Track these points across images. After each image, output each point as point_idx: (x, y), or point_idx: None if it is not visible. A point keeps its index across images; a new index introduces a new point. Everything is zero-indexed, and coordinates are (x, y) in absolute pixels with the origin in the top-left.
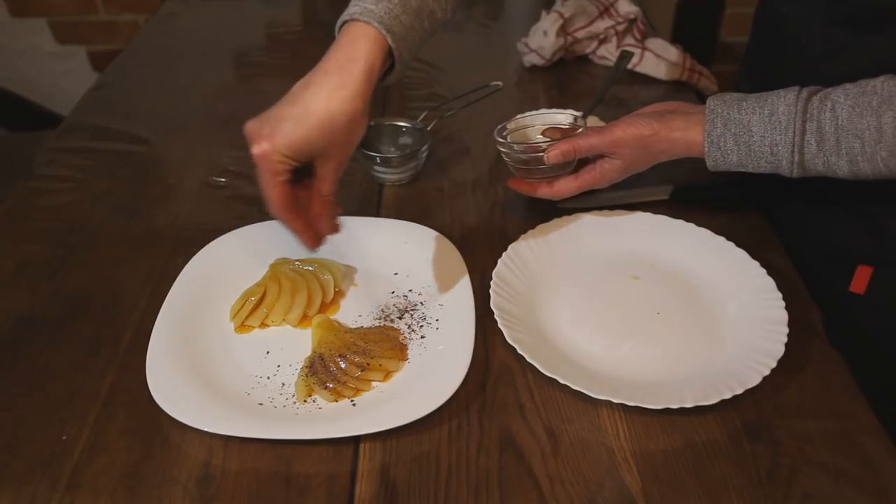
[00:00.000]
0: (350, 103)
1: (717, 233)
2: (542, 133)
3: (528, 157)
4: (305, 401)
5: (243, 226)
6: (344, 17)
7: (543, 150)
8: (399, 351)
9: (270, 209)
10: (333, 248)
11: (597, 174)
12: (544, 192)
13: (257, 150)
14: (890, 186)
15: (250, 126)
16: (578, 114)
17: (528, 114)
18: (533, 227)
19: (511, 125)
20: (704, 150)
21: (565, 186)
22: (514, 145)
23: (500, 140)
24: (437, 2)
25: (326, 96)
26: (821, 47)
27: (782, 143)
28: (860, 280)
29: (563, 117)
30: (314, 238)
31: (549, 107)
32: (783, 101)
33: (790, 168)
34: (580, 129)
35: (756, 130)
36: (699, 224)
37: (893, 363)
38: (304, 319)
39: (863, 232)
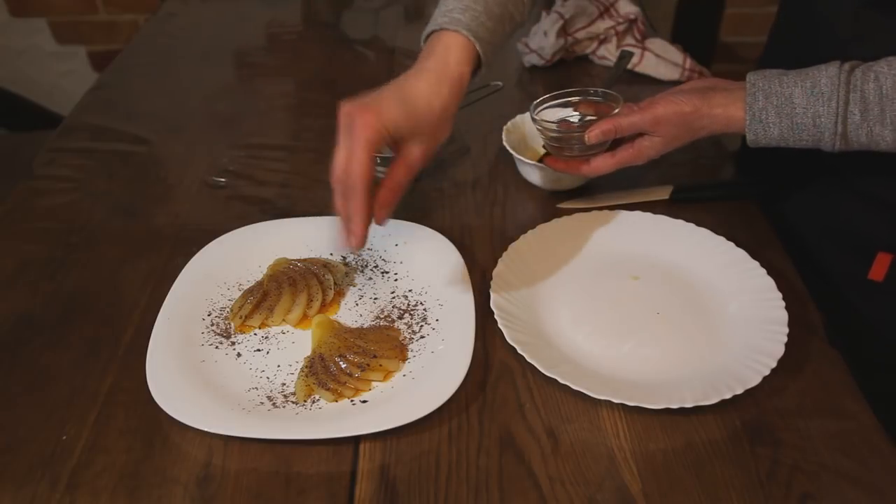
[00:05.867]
0: (445, 99)
1: (717, 233)
2: (577, 108)
3: (562, 136)
4: (305, 401)
5: (243, 226)
6: (432, 26)
7: (577, 129)
8: (399, 351)
9: (349, 185)
10: (333, 247)
11: (634, 151)
12: (582, 170)
13: (363, 120)
14: None
15: (347, 107)
16: (618, 96)
17: (562, 91)
18: (533, 227)
19: (545, 102)
20: (745, 125)
21: (603, 164)
22: (549, 123)
23: (535, 118)
24: (515, 6)
25: (426, 88)
26: (851, 30)
27: (825, 114)
28: (880, 267)
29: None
30: (363, 231)
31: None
32: (825, 74)
33: (832, 140)
34: (617, 110)
35: (798, 102)
36: (699, 224)
37: None
38: (304, 319)
39: (884, 219)
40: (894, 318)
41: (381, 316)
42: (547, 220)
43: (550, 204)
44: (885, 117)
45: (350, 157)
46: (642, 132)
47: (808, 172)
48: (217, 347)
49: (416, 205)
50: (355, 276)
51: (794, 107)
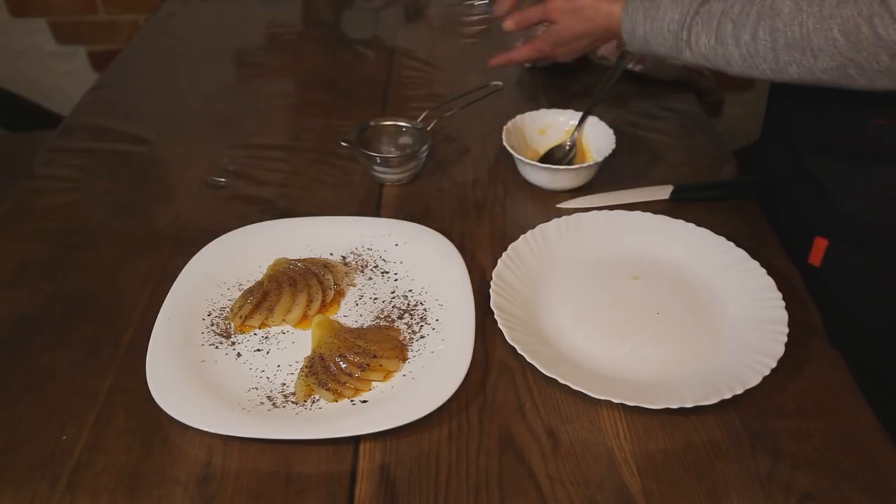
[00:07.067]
0: None
1: (717, 233)
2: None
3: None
4: (305, 401)
5: (243, 226)
6: None
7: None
8: (399, 351)
9: None
10: (333, 248)
11: (543, 37)
12: (501, 58)
13: None
14: (839, 159)
15: None
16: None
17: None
18: (533, 227)
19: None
20: (619, 20)
21: (519, 51)
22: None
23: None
24: None
25: None
26: None
27: (676, 20)
28: (817, 252)
29: (563, 118)
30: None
31: (549, 107)
32: None
33: (678, 46)
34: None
35: (662, 7)
36: (699, 224)
37: (857, 335)
38: (304, 319)
39: (820, 203)
40: (835, 303)
41: (381, 316)
42: (547, 220)
43: (550, 204)
44: (718, 32)
45: None
46: (549, 21)
47: (800, 169)
48: (217, 347)
49: (416, 205)
50: (355, 276)
51: (657, 10)
